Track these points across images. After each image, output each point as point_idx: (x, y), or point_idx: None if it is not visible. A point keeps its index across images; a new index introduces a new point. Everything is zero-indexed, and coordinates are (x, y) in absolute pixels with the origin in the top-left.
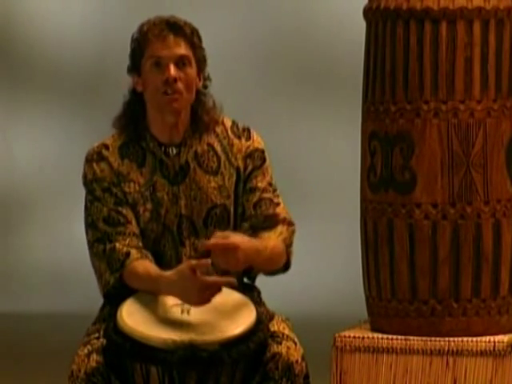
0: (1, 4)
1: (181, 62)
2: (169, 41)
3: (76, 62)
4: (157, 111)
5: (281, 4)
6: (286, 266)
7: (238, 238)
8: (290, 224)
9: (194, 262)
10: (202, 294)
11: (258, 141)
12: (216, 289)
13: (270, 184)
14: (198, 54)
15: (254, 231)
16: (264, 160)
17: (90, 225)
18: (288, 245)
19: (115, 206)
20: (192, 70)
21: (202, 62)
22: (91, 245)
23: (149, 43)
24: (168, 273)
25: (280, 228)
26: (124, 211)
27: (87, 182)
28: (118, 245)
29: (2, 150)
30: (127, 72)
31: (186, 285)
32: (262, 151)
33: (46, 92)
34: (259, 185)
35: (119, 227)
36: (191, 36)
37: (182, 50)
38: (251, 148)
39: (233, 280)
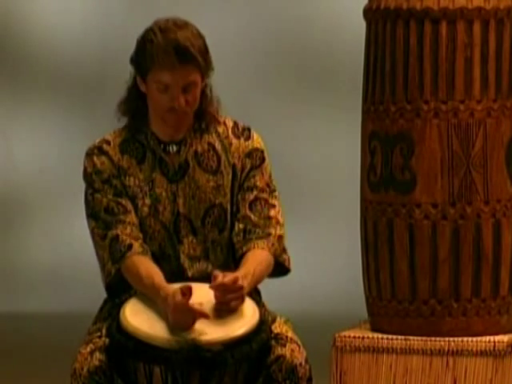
0: (0, 4)
1: (188, 86)
2: (177, 70)
3: (76, 61)
4: (159, 116)
5: (281, 4)
6: (285, 271)
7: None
8: (280, 228)
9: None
10: (178, 315)
11: (257, 141)
12: (192, 316)
13: (268, 185)
14: (205, 73)
15: (246, 235)
16: (263, 160)
17: (91, 215)
18: (278, 255)
19: (114, 197)
20: (198, 89)
21: (208, 74)
22: (93, 234)
23: (155, 67)
24: (168, 288)
25: (272, 237)
26: (123, 202)
27: (87, 175)
28: (120, 234)
29: (1, 150)
30: (130, 62)
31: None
32: (262, 151)
33: (46, 92)
34: (257, 184)
35: (119, 216)
36: (200, 61)
37: (191, 77)
38: (250, 147)
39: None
